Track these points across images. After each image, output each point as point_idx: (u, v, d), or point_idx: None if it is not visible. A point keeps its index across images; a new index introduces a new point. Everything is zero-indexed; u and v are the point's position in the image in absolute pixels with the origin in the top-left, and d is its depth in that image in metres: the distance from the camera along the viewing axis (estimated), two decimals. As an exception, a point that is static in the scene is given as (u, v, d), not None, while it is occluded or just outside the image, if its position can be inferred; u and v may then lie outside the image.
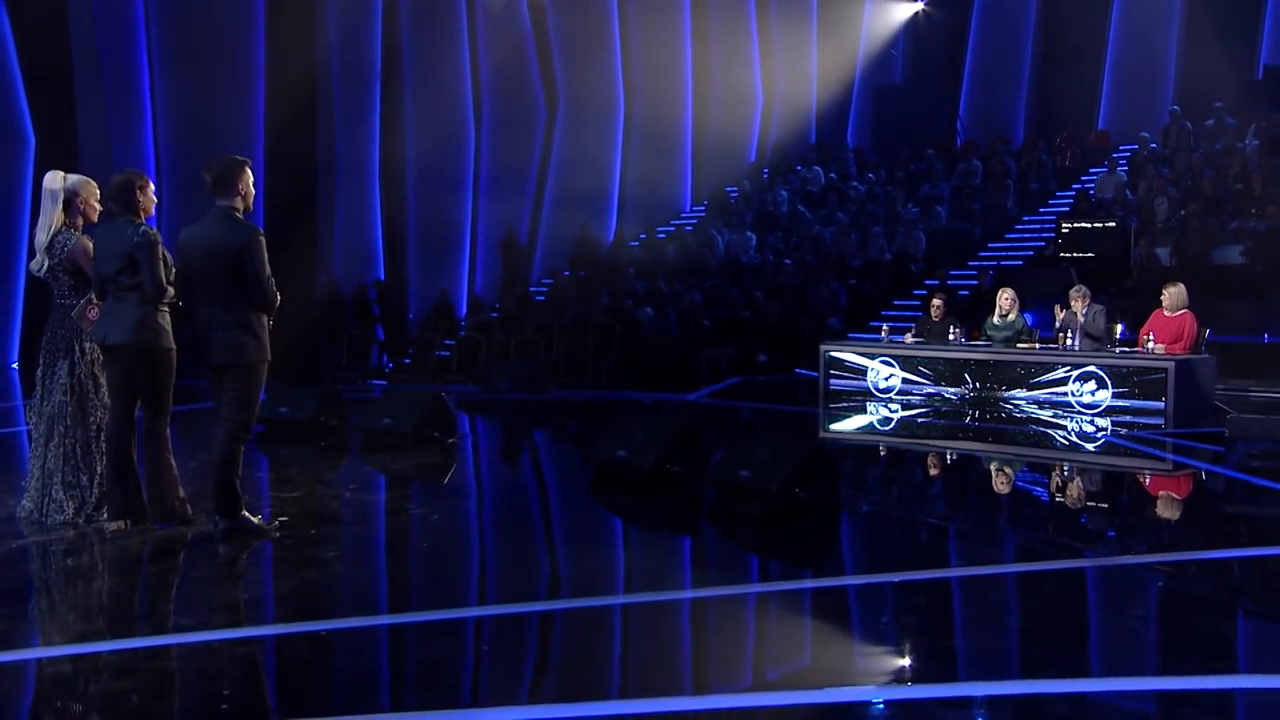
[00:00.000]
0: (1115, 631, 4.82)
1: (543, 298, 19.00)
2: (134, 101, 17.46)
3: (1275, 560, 5.99)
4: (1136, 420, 10.45)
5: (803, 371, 14.72)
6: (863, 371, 12.54)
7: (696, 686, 4.19)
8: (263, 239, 5.89)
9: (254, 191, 6.05)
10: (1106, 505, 7.79)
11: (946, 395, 11.88)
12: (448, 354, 16.44)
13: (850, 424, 11.42)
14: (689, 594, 5.35)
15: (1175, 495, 8.20)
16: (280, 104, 17.96)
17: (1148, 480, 8.66)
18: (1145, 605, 5.31)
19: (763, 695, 4.03)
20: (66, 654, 4.37)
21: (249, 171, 6.01)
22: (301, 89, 18.26)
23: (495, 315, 17.95)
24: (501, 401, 13.11)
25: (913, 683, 4.14)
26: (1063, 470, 8.94)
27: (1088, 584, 5.58)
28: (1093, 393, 11.01)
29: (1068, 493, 8.13)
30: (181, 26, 17.37)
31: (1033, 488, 8.31)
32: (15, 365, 16.89)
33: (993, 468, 9.14)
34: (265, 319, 5.98)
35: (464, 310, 19.29)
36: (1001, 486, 8.38)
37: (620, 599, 5.28)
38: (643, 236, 21.28)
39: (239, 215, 5.94)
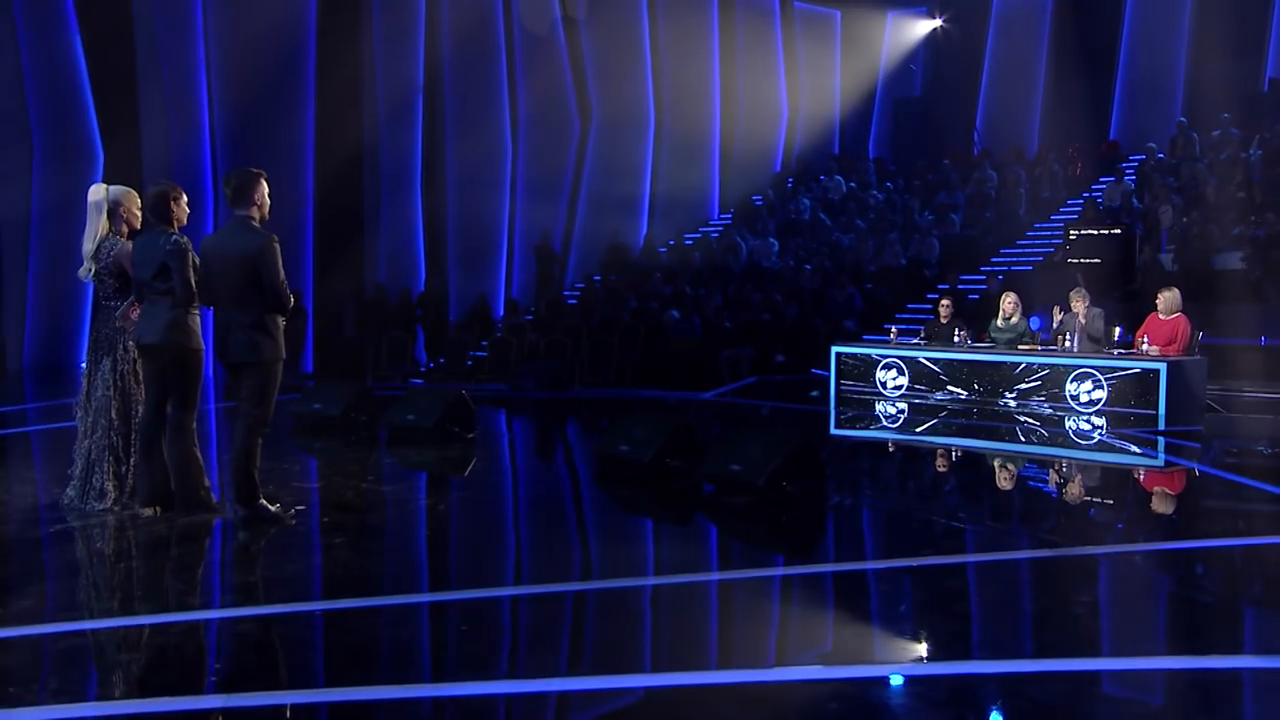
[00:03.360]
0: (1061, 617, 4.83)
1: (575, 301, 19.10)
2: (193, 115, 17.72)
3: (1237, 550, 5.96)
4: (1131, 418, 10.39)
5: (818, 371, 14.72)
6: (871, 372, 12.55)
7: (666, 666, 4.25)
8: (277, 245, 6.02)
9: (269, 201, 6.17)
10: (1080, 499, 7.74)
11: (949, 395, 11.86)
12: (484, 355, 16.58)
13: (853, 421, 11.41)
14: (671, 580, 5.41)
15: (1145, 489, 8.18)
16: (329, 117, 18.20)
17: (1121, 476, 8.61)
18: (1097, 592, 5.29)
19: (734, 673, 4.08)
20: (89, 628, 4.52)
21: (264, 183, 6.15)
22: (349, 103, 18.49)
23: (529, 318, 18.08)
24: (527, 399, 13.22)
25: (881, 663, 4.18)
26: (1044, 467, 8.91)
27: (1051, 573, 5.57)
28: (1089, 392, 10.96)
29: (1045, 488, 8.11)
30: (238, 45, 17.61)
31: (1013, 483, 8.28)
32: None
33: (978, 464, 9.12)
34: (280, 320, 6.11)
35: (501, 313, 19.43)
36: (983, 482, 8.38)
37: (608, 584, 5.34)
38: (671, 243, 21.36)
39: (255, 223, 6.08)
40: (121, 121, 17.17)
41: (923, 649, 4.37)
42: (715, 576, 5.49)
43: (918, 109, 23.70)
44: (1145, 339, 10.93)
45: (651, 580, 5.41)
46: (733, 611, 5.01)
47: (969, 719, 3.68)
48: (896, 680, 3.95)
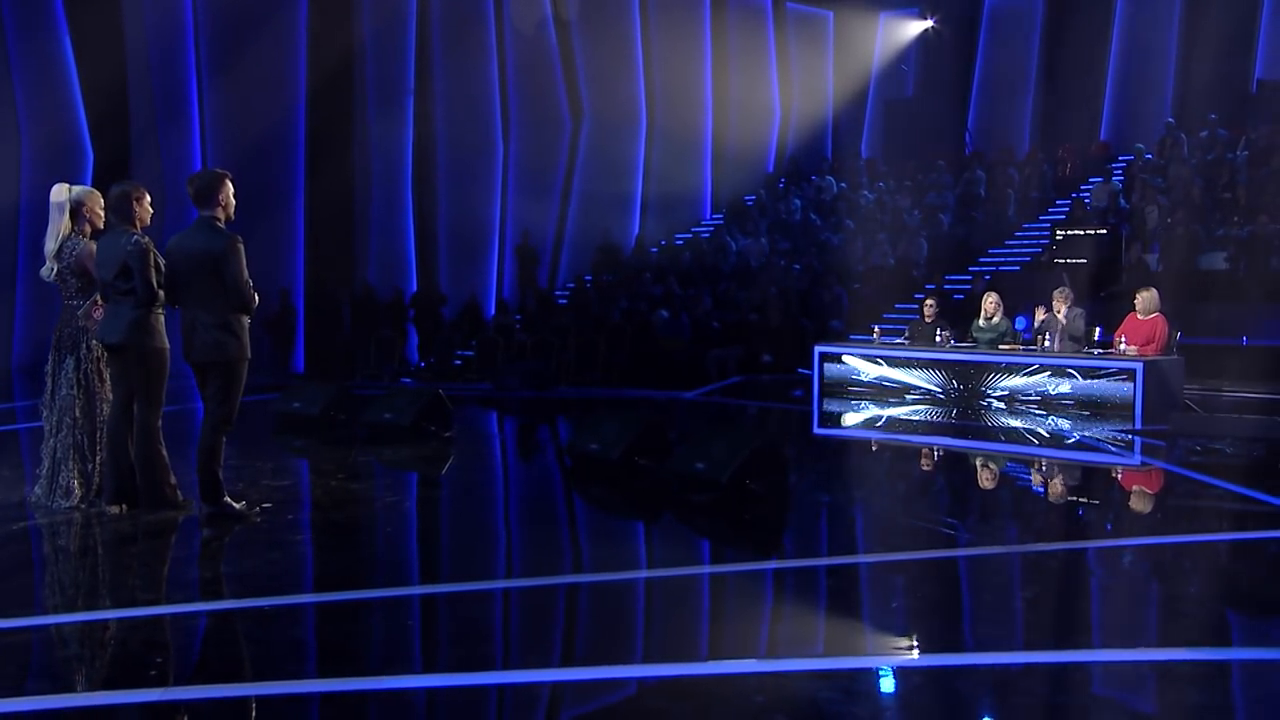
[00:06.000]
0: (1007, 611, 4.88)
1: (565, 301, 19.16)
2: (183, 115, 17.80)
3: (1188, 546, 6.00)
4: (1107, 418, 10.43)
5: (805, 371, 14.75)
6: (855, 371, 12.60)
7: (601, 659, 4.30)
8: (241, 246, 6.07)
9: (234, 202, 6.21)
10: (1042, 497, 7.79)
11: (930, 394, 11.91)
12: (473, 354, 16.64)
13: (834, 420, 11.46)
14: (636, 574, 5.46)
15: (1104, 487, 8.22)
16: (319, 116, 18.28)
17: (1084, 474, 8.63)
18: (1042, 587, 5.33)
19: (668, 667, 4.13)
20: (48, 623, 4.59)
21: (229, 184, 6.19)
22: (339, 102, 18.57)
23: (518, 318, 18.13)
24: (510, 399, 13.27)
25: (829, 655, 4.25)
26: (1014, 466, 8.94)
27: (1005, 569, 5.62)
28: (1067, 392, 11.00)
29: (1011, 486, 8.15)
30: (228, 45, 17.69)
31: (981, 482, 8.32)
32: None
33: (949, 463, 9.15)
34: (245, 320, 6.16)
35: (492, 312, 19.46)
36: (951, 481, 8.42)
37: (569, 579, 5.39)
38: (662, 243, 21.41)
39: (220, 224, 6.12)
40: (111, 120, 17.24)
41: (860, 643, 4.42)
42: (666, 573, 5.53)
43: (910, 109, 23.74)
44: (1123, 339, 10.97)
45: (603, 577, 5.45)
46: (676, 607, 5.05)
47: (896, 710, 3.73)
48: (828, 673, 4.00)
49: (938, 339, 12.25)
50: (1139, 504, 7.58)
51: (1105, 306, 13.51)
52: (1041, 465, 8.94)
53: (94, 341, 6.38)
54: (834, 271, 17.67)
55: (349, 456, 8.70)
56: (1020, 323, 12.79)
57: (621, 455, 7.60)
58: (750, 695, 3.79)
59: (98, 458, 6.44)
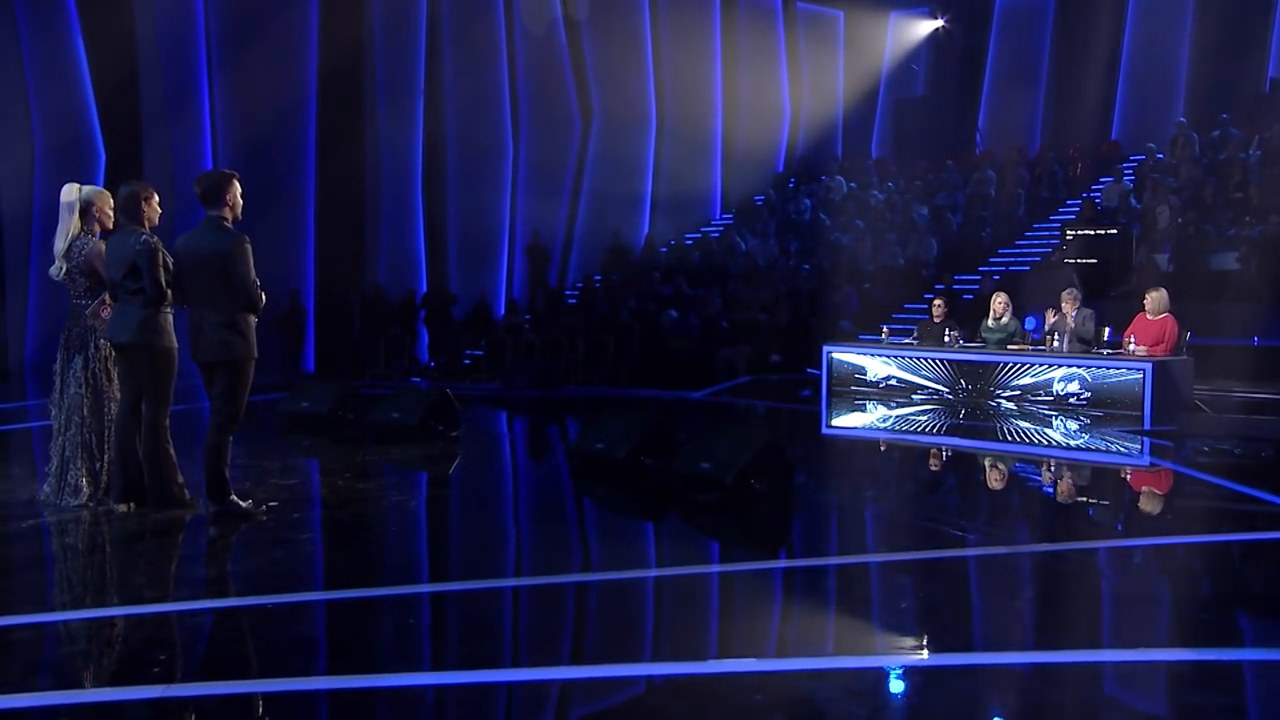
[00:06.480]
0: (1005, 612, 4.89)
1: (575, 300, 19.18)
2: (195, 116, 17.84)
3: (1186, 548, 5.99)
4: (1117, 418, 10.41)
5: (814, 371, 14.75)
6: (863, 371, 12.60)
7: (601, 658, 4.32)
8: (248, 246, 6.09)
9: (241, 202, 6.24)
10: (1045, 497, 7.79)
11: (939, 395, 11.90)
12: (482, 353, 16.67)
13: (842, 420, 11.46)
14: (640, 574, 5.48)
15: (1112, 487, 8.20)
16: (329, 115, 18.32)
17: (1093, 474, 8.61)
18: (1048, 588, 5.33)
19: (668, 665, 4.15)
20: (59, 619, 4.63)
21: (237, 184, 6.22)
22: (349, 101, 18.61)
23: (528, 318, 18.16)
24: (517, 398, 13.29)
25: (830, 654, 4.26)
26: (1019, 467, 8.92)
27: (1012, 569, 5.62)
28: (1076, 393, 10.98)
29: (1012, 486, 8.14)
30: (238, 43, 17.74)
31: (984, 482, 8.31)
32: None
33: (954, 464, 9.14)
34: (251, 319, 6.19)
35: (502, 312, 19.50)
36: (956, 481, 8.41)
37: (574, 578, 5.41)
38: (672, 243, 21.42)
39: (227, 224, 6.15)
40: (123, 121, 17.30)
41: (862, 642, 4.43)
42: (670, 572, 5.55)
43: (920, 109, 23.73)
44: (1133, 339, 10.95)
45: (607, 576, 5.47)
46: (680, 606, 5.06)
47: (895, 709, 3.74)
48: (828, 672, 4.01)
49: (946, 339, 12.24)
50: (1147, 504, 7.58)
51: (1115, 306, 13.47)
52: (1050, 465, 8.93)
53: (102, 340, 6.42)
54: (843, 271, 17.67)
55: (357, 456, 8.72)
56: (1030, 323, 12.77)
57: (627, 455, 7.61)
58: (750, 694, 3.80)
59: (106, 456, 6.48)
